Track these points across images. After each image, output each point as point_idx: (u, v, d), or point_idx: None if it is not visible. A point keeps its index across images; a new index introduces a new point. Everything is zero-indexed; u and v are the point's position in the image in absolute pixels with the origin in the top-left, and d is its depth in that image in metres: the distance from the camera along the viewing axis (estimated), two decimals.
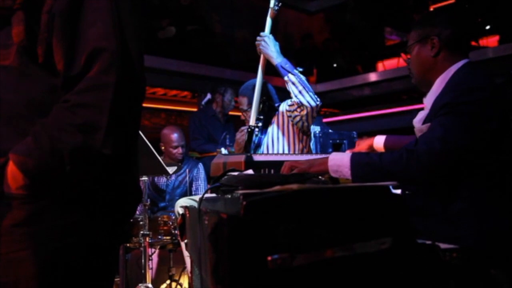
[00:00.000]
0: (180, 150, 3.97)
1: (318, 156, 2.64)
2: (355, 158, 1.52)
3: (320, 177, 1.38)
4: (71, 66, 1.00)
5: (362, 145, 2.17)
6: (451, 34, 1.68)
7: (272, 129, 2.82)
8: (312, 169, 1.57)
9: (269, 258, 0.86)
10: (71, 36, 1.01)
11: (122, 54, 1.02)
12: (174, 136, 3.97)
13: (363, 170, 1.50)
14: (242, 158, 1.96)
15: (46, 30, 1.02)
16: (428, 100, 1.66)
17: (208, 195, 1.33)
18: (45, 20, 1.02)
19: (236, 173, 1.39)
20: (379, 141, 2.11)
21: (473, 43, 7.83)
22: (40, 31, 1.03)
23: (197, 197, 2.62)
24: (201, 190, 4.02)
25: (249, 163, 1.91)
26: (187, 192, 3.92)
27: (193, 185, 4.08)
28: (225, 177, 1.34)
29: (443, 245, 1.01)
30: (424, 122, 1.62)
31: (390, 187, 1.16)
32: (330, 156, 1.58)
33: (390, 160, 1.49)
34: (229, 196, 1.12)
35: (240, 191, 0.97)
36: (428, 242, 1.00)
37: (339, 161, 1.54)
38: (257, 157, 1.97)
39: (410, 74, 1.81)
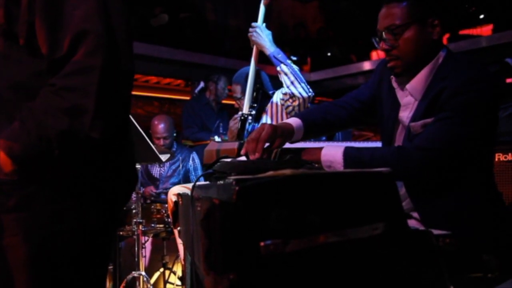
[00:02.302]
0: (161, 142, 3.97)
1: (311, 144, 2.64)
2: (347, 155, 1.51)
3: (313, 164, 1.37)
4: (55, 49, 0.99)
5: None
6: (448, 18, 1.61)
7: (266, 118, 2.81)
8: (304, 156, 1.55)
9: (262, 244, 0.85)
10: (54, 19, 0.99)
11: (107, 37, 1.00)
12: (158, 127, 3.99)
13: (356, 167, 1.48)
14: (235, 145, 1.95)
15: (27, 12, 1.00)
16: (416, 89, 1.56)
17: (201, 182, 1.32)
18: (25, 2, 1.00)
19: (228, 160, 1.38)
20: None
21: (467, 31, 7.84)
22: (20, 13, 1.01)
23: (190, 185, 2.61)
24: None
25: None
26: (181, 181, 3.91)
27: (192, 176, 4.07)
28: (218, 163, 1.33)
29: (435, 231, 1.01)
30: (415, 116, 1.54)
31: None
32: (323, 151, 1.54)
33: (381, 158, 1.46)
34: (222, 182, 1.12)
35: (233, 177, 0.96)
36: (421, 228, 1.00)
37: (332, 157, 1.52)
38: None
39: (394, 60, 1.58)
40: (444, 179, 1.49)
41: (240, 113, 2.76)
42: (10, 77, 1.03)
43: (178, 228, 1.87)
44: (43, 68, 1.01)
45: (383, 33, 1.57)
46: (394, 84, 1.66)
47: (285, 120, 1.73)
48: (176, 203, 1.86)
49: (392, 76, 1.66)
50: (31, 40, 1.01)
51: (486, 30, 7.63)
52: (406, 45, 1.54)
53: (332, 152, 1.53)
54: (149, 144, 2.85)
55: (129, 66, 1.06)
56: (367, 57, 8.95)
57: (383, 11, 1.59)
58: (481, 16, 7.81)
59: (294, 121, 1.70)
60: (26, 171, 0.99)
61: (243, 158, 1.53)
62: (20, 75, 1.03)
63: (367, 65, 8.56)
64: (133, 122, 2.64)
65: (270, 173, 0.97)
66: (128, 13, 1.10)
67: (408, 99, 1.60)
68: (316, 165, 1.37)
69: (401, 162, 1.44)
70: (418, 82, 1.56)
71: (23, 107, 0.99)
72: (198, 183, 1.28)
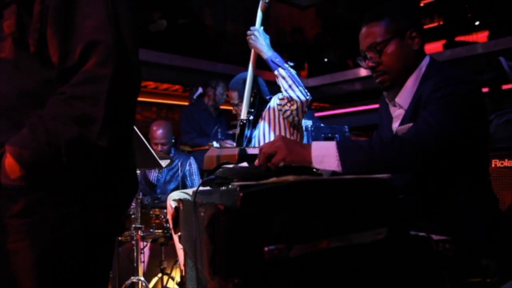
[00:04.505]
0: (160, 147, 3.97)
1: None
2: (342, 146, 1.39)
3: (315, 169, 1.39)
4: (66, 58, 1.01)
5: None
6: (423, 26, 1.61)
7: (263, 123, 2.82)
8: (290, 156, 1.38)
9: (266, 249, 0.87)
10: (66, 28, 1.01)
11: (117, 47, 1.02)
12: (157, 133, 4.00)
13: (353, 159, 1.38)
14: (235, 151, 1.96)
15: (39, 21, 1.02)
16: (404, 100, 1.61)
17: (201, 188, 1.33)
18: (38, 10, 1.02)
19: (230, 166, 1.39)
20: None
21: (463, 38, 7.90)
22: (32, 21, 1.03)
23: (189, 190, 2.62)
24: (197, 184, 4.00)
25: (243, 156, 1.91)
26: (179, 187, 3.91)
27: (188, 180, 4.08)
28: (220, 169, 1.34)
29: (435, 237, 1.03)
30: (403, 122, 1.58)
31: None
32: (313, 147, 1.40)
33: (381, 147, 1.41)
34: (225, 188, 1.13)
35: (237, 183, 0.97)
36: (422, 233, 1.02)
37: (325, 151, 1.38)
38: (250, 150, 1.98)
39: (380, 75, 1.63)
40: (446, 179, 1.50)
41: (238, 119, 2.78)
42: (20, 84, 1.05)
43: (179, 234, 1.87)
44: (53, 76, 1.02)
45: (366, 52, 1.63)
46: (387, 100, 1.72)
47: None
48: (176, 208, 1.87)
49: (384, 93, 1.72)
50: (42, 48, 1.03)
51: (482, 36, 7.70)
52: (390, 59, 1.60)
53: (323, 146, 1.41)
54: (150, 150, 2.86)
55: (137, 76, 1.09)
56: None
57: (362, 31, 1.65)
58: (477, 23, 7.88)
59: None
60: (33, 177, 1.00)
61: (245, 164, 1.54)
62: (30, 83, 1.05)
63: (363, 71, 8.59)
64: (134, 128, 2.65)
65: (273, 179, 0.99)
66: (136, 21, 1.12)
67: (399, 111, 1.66)
68: (318, 171, 1.38)
69: (402, 148, 1.41)
70: (404, 93, 1.62)
71: (32, 114, 1.01)
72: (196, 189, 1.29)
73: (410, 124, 1.52)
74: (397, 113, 1.66)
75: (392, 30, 1.59)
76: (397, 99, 1.63)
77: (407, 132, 1.48)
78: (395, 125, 1.65)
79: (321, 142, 1.45)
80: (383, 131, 1.78)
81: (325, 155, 1.38)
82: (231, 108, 3.13)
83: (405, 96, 1.61)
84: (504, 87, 4.38)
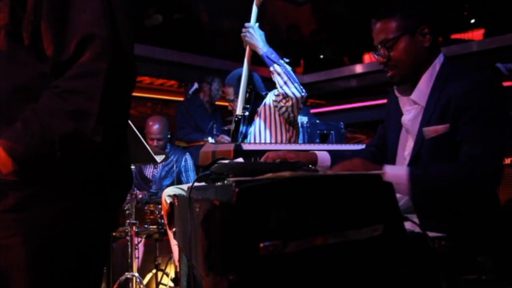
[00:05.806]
0: (155, 142, 3.96)
1: (306, 146, 2.65)
2: (413, 178, 1.46)
3: (310, 165, 1.38)
4: (61, 52, 0.99)
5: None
6: (439, 24, 1.65)
7: (259, 120, 2.81)
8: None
9: (261, 245, 0.86)
10: (60, 22, 1.00)
11: (113, 41, 1.01)
12: (153, 128, 3.99)
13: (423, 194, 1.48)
14: (231, 146, 1.95)
15: (33, 13, 1.01)
16: (420, 97, 1.63)
17: (197, 183, 1.33)
18: (32, 3, 1.01)
19: (226, 161, 1.38)
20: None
21: (458, 36, 7.92)
22: (26, 14, 1.01)
23: (184, 186, 2.61)
24: (192, 180, 3.99)
25: (238, 152, 1.90)
26: (174, 183, 3.90)
27: (183, 176, 4.07)
28: (215, 165, 1.34)
29: (431, 233, 1.02)
30: (424, 119, 1.59)
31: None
32: (387, 173, 1.48)
33: (454, 175, 1.47)
34: (221, 184, 1.12)
35: (232, 179, 0.97)
36: (417, 230, 1.02)
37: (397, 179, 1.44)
38: (246, 146, 1.97)
39: (391, 69, 1.67)
40: None
41: (234, 115, 2.77)
42: (13, 78, 1.04)
43: (173, 229, 1.87)
44: (47, 70, 1.01)
45: (378, 47, 1.67)
46: (397, 93, 1.75)
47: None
48: (171, 204, 1.86)
49: (395, 87, 1.76)
50: (36, 41, 1.01)
51: (477, 34, 7.72)
52: (399, 55, 1.64)
53: (396, 174, 1.48)
54: (145, 145, 2.85)
55: (132, 70, 1.08)
56: (360, 60, 9.00)
57: (376, 26, 1.69)
58: (473, 21, 7.90)
59: (319, 152, 1.77)
60: (26, 172, 0.99)
61: (240, 159, 1.54)
62: (23, 77, 1.04)
63: (359, 68, 8.60)
64: (129, 124, 2.64)
65: (269, 175, 0.98)
66: (132, 15, 1.11)
67: (412, 106, 1.68)
68: (313, 167, 1.38)
69: (475, 171, 1.45)
70: (420, 89, 1.64)
71: (25, 108, 0.99)
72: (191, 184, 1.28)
73: (439, 126, 1.54)
74: (409, 108, 1.69)
75: (402, 27, 1.62)
76: (412, 97, 1.65)
77: (469, 151, 1.49)
78: (406, 118, 1.68)
79: (395, 169, 1.53)
80: (390, 124, 1.82)
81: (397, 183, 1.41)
82: (227, 104, 3.12)
83: (420, 93, 1.63)
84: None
